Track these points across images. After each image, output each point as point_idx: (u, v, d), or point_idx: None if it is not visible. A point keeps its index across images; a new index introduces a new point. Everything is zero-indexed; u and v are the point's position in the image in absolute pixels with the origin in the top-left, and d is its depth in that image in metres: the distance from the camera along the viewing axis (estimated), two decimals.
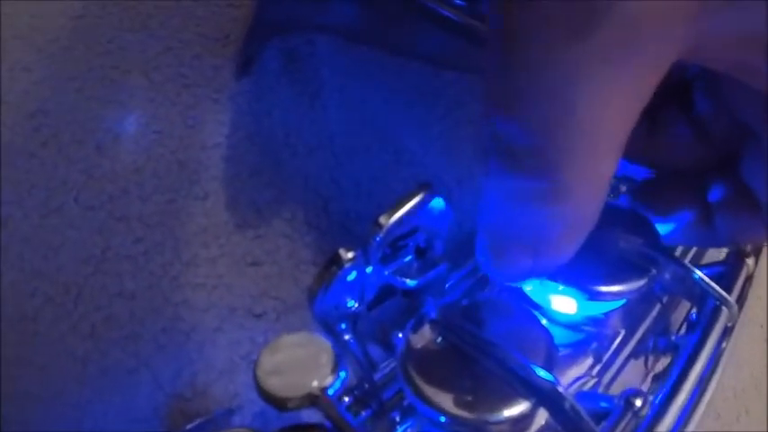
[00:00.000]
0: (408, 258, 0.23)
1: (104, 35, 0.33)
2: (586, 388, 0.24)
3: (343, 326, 0.23)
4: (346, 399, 0.23)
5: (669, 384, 0.21)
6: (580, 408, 0.19)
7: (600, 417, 0.21)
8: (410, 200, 0.21)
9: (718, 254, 0.28)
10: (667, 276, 0.25)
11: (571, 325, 0.25)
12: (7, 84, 0.32)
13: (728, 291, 0.24)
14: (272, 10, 0.27)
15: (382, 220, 0.21)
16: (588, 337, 0.25)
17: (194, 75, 0.32)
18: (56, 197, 0.29)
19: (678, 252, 0.28)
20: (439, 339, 0.22)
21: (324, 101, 0.32)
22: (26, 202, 0.29)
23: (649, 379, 0.25)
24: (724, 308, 0.23)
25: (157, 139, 0.30)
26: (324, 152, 0.30)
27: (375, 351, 0.26)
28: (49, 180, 0.29)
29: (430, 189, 0.22)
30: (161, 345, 0.27)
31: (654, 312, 0.26)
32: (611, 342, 0.25)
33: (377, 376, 0.25)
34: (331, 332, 0.22)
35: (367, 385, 0.24)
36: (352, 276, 0.22)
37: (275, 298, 0.27)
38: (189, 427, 0.24)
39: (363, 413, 0.24)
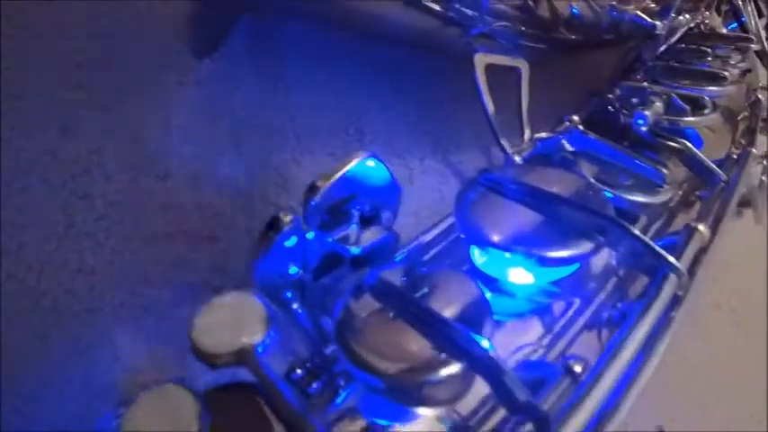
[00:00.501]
0: (353, 227, 0.24)
1: (69, 21, 0.34)
2: (534, 357, 0.24)
3: (289, 294, 0.23)
4: (299, 371, 0.23)
5: (610, 349, 0.21)
6: (511, 372, 0.19)
7: (541, 384, 0.21)
8: (345, 164, 0.21)
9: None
10: (619, 247, 0.25)
11: (524, 296, 0.25)
12: None
13: (679, 259, 0.24)
14: None
15: (318, 183, 0.21)
16: (539, 307, 0.25)
17: (160, 58, 0.33)
18: (21, 178, 0.29)
19: (640, 227, 0.28)
20: (376, 306, 0.22)
21: (287, 83, 0.32)
22: None
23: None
24: (672, 275, 0.23)
25: (120, 121, 0.31)
26: (284, 132, 0.31)
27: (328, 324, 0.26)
28: (13, 162, 0.30)
29: (368, 154, 0.22)
30: (120, 319, 0.27)
31: (609, 286, 0.26)
32: (564, 313, 0.25)
33: (330, 348, 0.25)
34: (275, 300, 0.22)
35: (318, 358, 0.24)
36: (291, 242, 0.22)
37: (232, 272, 0.28)
38: (141, 394, 0.24)
39: (315, 385, 0.24)
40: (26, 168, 0.29)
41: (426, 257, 0.26)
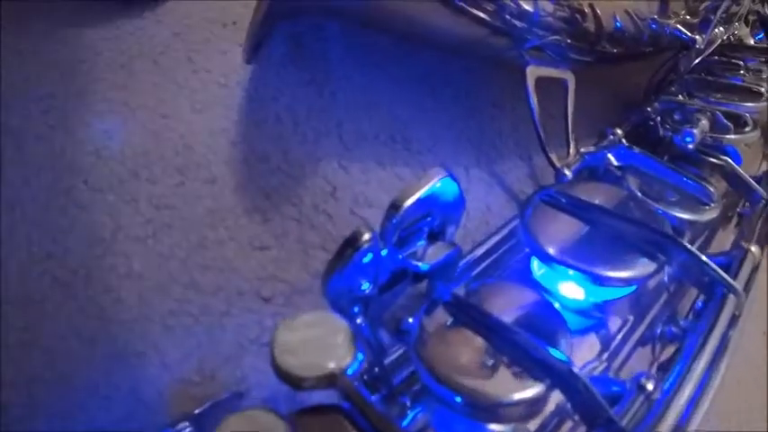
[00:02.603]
0: (421, 243, 0.24)
1: (112, 20, 0.33)
2: (596, 373, 0.24)
3: (356, 309, 0.23)
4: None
5: (679, 369, 0.21)
6: (594, 388, 0.19)
7: (612, 400, 0.22)
8: (427, 182, 0.21)
9: (723, 244, 0.28)
10: (676, 265, 0.25)
11: (580, 311, 0.25)
12: (15, 68, 0.31)
13: (735, 279, 0.24)
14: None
15: (399, 202, 0.21)
16: (597, 323, 0.25)
17: (202, 60, 0.32)
18: (64, 179, 0.29)
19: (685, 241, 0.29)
20: (452, 322, 0.22)
21: (332, 87, 0.32)
22: (34, 184, 0.29)
23: (655, 366, 0.26)
24: (731, 296, 0.23)
25: (165, 123, 0.30)
26: (331, 138, 0.31)
27: (383, 337, 0.26)
28: (57, 162, 0.29)
29: (445, 173, 0.22)
30: (169, 327, 0.27)
31: (661, 301, 0.27)
32: (620, 329, 0.25)
33: (386, 361, 0.25)
34: (344, 315, 0.22)
35: (377, 369, 0.24)
36: (367, 258, 0.22)
37: (283, 281, 0.27)
38: (198, 411, 0.24)
39: (374, 397, 0.24)
40: (70, 171, 0.29)
41: (484, 269, 0.26)
